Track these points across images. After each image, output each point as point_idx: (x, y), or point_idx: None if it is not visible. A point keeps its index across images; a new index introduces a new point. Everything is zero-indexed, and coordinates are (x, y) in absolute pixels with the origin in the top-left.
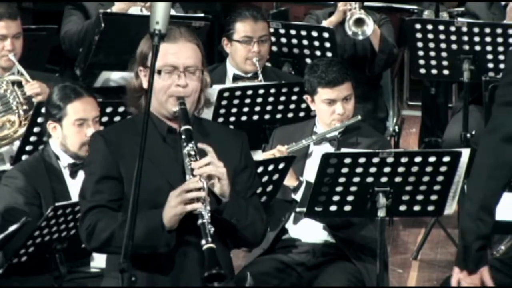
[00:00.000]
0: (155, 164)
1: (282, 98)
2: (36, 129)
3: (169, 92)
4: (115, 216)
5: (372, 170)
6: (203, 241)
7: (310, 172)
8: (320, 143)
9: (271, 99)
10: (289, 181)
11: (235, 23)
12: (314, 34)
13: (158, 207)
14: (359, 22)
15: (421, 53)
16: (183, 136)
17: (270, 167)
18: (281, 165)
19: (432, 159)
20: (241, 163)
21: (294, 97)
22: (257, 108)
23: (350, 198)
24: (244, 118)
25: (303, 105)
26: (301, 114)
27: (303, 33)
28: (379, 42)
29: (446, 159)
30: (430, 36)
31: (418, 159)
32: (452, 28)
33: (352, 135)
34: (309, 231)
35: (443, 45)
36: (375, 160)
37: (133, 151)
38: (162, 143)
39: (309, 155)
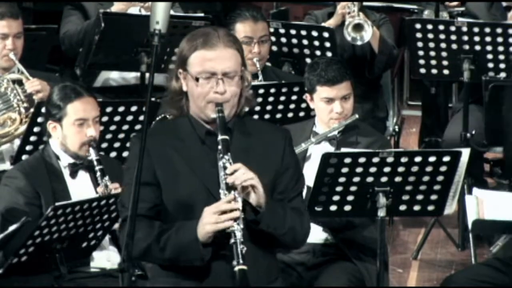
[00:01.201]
0: (192, 167)
1: (282, 98)
2: (36, 129)
3: (207, 98)
4: (153, 226)
5: (372, 170)
6: (234, 262)
7: (309, 175)
8: (319, 142)
9: (271, 99)
10: None
11: (235, 24)
12: (314, 34)
13: (193, 210)
14: (358, 27)
15: (421, 53)
16: (220, 147)
17: None
18: None
19: (432, 159)
20: (283, 162)
21: (294, 97)
22: (257, 108)
23: (350, 198)
24: None
25: (303, 105)
26: (301, 114)
27: (303, 33)
28: (378, 44)
29: (446, 158)
30: (430, 36)
31: (418, 159)
32: (452, 28)
33: (352, 134)
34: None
35: (443, 45)
36: (375, 160)
37: (170, 156)
38: (200, 146)
39: (307, 158)
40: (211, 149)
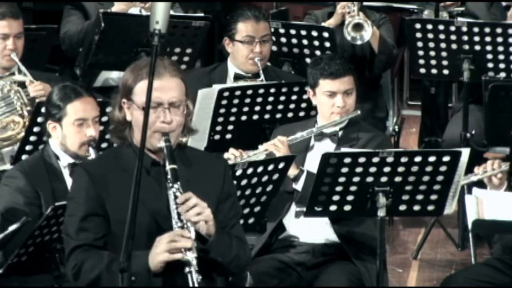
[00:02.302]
0: (140, 199)
1: (282, 98)
2: (36, 129)
3: (154, 128)
4: (101, 255)
5: (372, 169)
6: None
7: (311, 164)
8: (320, 139)
9: (271, 98)
10: (290, 170)
11: (237, 23)
12: (314, 33)
13: (143, 241)
14: (358, 26)
15: (421, 52)
16: (169, 176)
17: (270, 167)
18: (281, 165)
19: (432, 158)
20: (223, 191)
21: (294, 97)
22: (257, 108)
23: (350, 197)
24: (244, 117)
25: (303, 105)
26: (301, 113)
27: (303, 32)
28: (378, 43)
29: (446, 158)
30: (430, 35)
31: (418, 159)
32: (452, 28)
33: (353, 130)
34: (308, 230)
35: (443, 45)
36: (375, 159)
37: (119, 188)
38: (146, 176)
39: (310, 148)
40: (156, 180)
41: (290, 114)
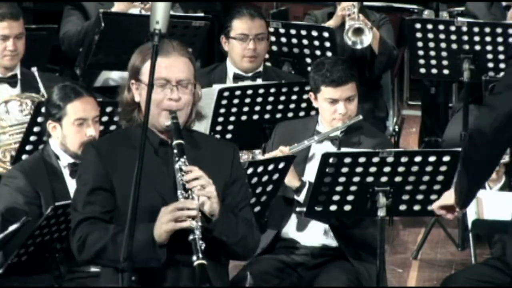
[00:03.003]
0: (147, 177)
1: (282, 98)
2: (36, 129)
3: (161, 106)
4: (107, 228)
5: (372, 169)
6: (194, 257)
7: (311, 174)
8: (321, 142)
9: (271, 98)
10: (291, 182)
11: (232, 21)
12: (314, 33)
13: (147, 220)
14: (358, 31)
15: (421, 52)
16: (175, 151)
17: (270, 167)
18: (281, 165)
19: (432, 158)
20: (232, 175)
21: (294, 97)
22: (257, 108)
23: (350, 197)
24: (244, 117)
25: (303, 105)
26: (301, 113)
27: (303, 32)
28: (378, 45)
29: (446, 158)
30: (430, 35)
31: (418, 159)
32: (452, 28)
33: (354, 135)
34: (307, 235)
35: (443, 45)
36: (375, 159)
37: (126, 164)
38: (154, 156)
39: (309, 159)
40: (164, 160)
41: (290, 114)
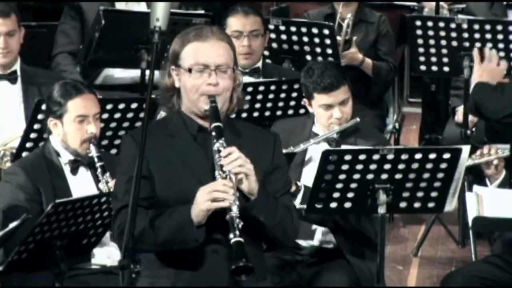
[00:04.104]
0: (185, 162)
1: (283, 95)
2: (36, 126)
3: (200, 90)
4: (145, 214)
5: (373, 167)
6: (231, 235)
7: (308, 177)
8: (318, 144)
9: (271, 96)
10: None
11: (227, 18)
12: (315, 31)
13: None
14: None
15: (421, 50)
16: (213, 133)
17: None
18: None
19: (432, 156)
20: (272, 163)
21: (294, 94)
22: (257, 105)
23: (350, 195)
24: (244, 115)
25: (303, 102)
26: (302, 111)
27: (304, 30)
28: (372, 73)
29: (446, 156)
30: (431, 33)
31: (418, 156)
32: (453, 25)
33: (351, 136)
34: (306, 234)
35: (443, 42)
36: (375, 157)
37: (163, 151)
38: (193, 142)
39: (306, 162)
40: (203, 146)
41: (290, 111)
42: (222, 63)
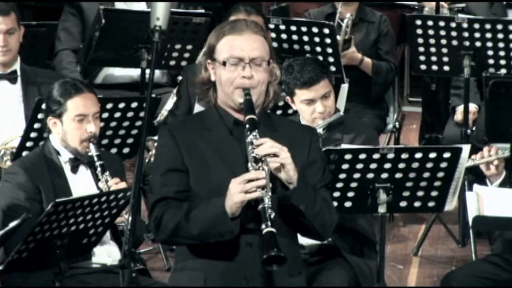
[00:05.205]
0: (221, 155)
1: (282, 94)
2: (36, 125)
3: (235, 84)
4: (181, 206)
5: (373, 166)
6: (263, 226)
7: None
8: None
9: None
10: None
11: (229, 17)
12: (315, 30)
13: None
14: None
15: (421, 49)
16: (247, 126)
17: None
18: None
19: (432, 155)
20: (309, 157)
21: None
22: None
23: (350, 194)
24: None
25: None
26: (290, 110)
27: (304, 29)
28: (372, 74)
29: (446, 155)
30: (431, 32)
31: (418, 155)
32: (453, 24)
33: (337, 131)
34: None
35: (443, 41)
36: (376, 156)
37: (199, 145)
38: (228, 136)
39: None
40: (239, 139)
41: (290, 111)
42: (256, 56)
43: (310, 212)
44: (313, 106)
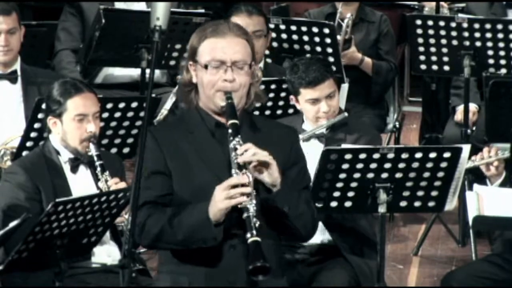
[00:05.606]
0: (203, 158)
1: (283, 94)
2: (36, 125)
3: (216, 86)
4: (164, 211)
5: (373, 166)
6: (248, 235)
7: None
8: (308, 139)
9: (271, 95)
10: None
11: (230, 17)
12: (315, 30)
13: (205, 200)
14: None
15: (421, 49)
16: (230, 131)
17: None
18: None
19: (432, 155)
20: (290, 158)
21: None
22: (257, 104)
23: (350, 194)
24: None
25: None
26: (290, 110)
27: (304, 29)
28: (372, 74)
29: (446, 155)
30: (431, 32)
31: (418, 155)
32: (453, 24)
33: (340, 131)
34: None
35: (443, 41)
36: (376, 156)
37: (181, 147)
38: (210, 138)
39: None
40: (220, 141)
41: (290, 110)
42: (238, 59)
43: (293, 213)
44: (317, 106)
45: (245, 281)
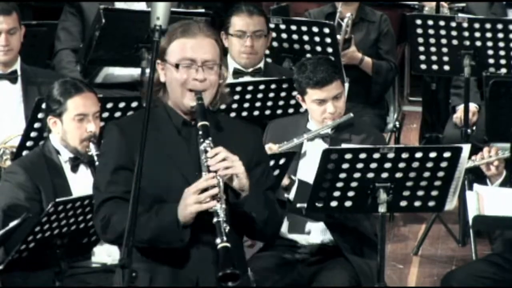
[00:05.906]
0: (169, 157)
1: (283, 94)
2: (36, 125)
3: (186, 86)
4: None
5: (373, 165)
6: (218, 240)
7: (304, 171)
8: (313, 139)
9: (271, 94)
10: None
11: (231, 17)
12: (315, 29)
13: (171, 200)
14: None
15: (422, 48)
16: (200, 132)
17: (271, 163)
18: (281, 161)
19: (432, 154)
20: (253, 158)
21: (295, 93)
22: (258, 104)
23: (351, 193)
24: (244, 113)
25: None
26: (302, 109)
27: (304, 28)
28: (372, 73)
29: (446, 154)
30: (431, 31)
31: (418, 155)
32: (453, 24)
33: (345, 131)
34: (305, 234)
35: (444, 41)
36: (376, 155)
37: (148, 144)
38: (176, 136)
39: (302, 155)
40: (187, 140)
41: (291, 110)
42: (209, 59)
43: (260, 217)
44: (324, 106)
45: (208, 278)
